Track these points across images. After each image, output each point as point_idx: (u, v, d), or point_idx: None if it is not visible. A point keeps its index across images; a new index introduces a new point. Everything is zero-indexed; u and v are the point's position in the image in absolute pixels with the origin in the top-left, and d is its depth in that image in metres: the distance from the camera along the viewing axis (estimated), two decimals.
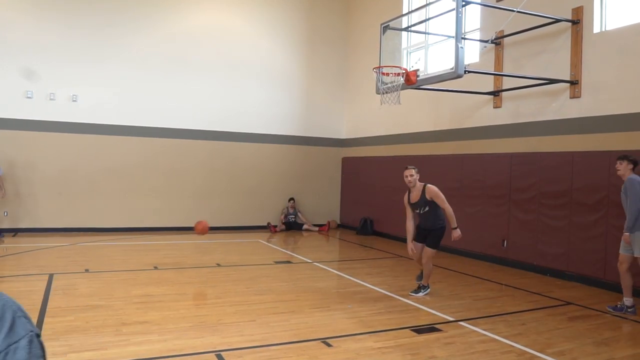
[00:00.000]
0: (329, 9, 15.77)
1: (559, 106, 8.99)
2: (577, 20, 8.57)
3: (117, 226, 13.16)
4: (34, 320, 5.56)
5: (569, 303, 7.13)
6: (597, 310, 6.74)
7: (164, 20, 13.68)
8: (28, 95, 12.36)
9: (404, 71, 8.59)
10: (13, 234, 12.13)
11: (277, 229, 14.45)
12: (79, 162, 12.90)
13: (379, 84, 8.86)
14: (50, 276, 7.79)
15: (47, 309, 6.05)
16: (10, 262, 9.07)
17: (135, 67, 13.35)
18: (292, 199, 14.85)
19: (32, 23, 12.42)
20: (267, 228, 14.31)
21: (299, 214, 14.90)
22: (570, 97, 8.75)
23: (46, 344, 4.43)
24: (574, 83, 8.63)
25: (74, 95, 12.77)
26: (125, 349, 4.81)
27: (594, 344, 5.39)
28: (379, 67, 8.66)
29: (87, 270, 8.44)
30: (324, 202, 15.74)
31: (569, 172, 8.61)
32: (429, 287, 7.38)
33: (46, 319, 5.64)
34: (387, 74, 8.62)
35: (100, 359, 4.55)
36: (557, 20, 8.71)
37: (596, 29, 8.41)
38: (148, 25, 13.51)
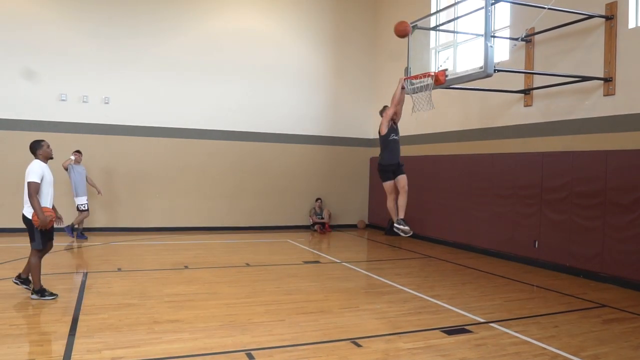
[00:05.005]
0: (357, 9, 15.74)
1: (592, 104, 8.80)
2: (611, 16, 8.37)
3: (149, 226, 13.39)
4: (70, 317, 5.70)
5: (603, 305, 6.98)
6: (633, 313, 6.58)
7: (194, 24, 13.85)
8: (62, 98, 12.66)
9: (432, 74, 8.49)
10: None
11: (318, 228, 14.47)
12: (111, 164, 13.15)
13: (408, 87, 8.79)
14: (85, 274, 7.98)
15: (82, 307, 6.19)
16: (47, 260, 9.27)
17: (165, 70, 13.55)
18: (319, 199, 14.88)
19: (66, 30, 12.72)
20: (313, 229, 14.49)
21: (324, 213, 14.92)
22: (604, 95, 8.56)
23: (81, 341, 4.52)
24: (607, 80, 8.44)
25: (106, 97, 13.04)
26: (158, 347, 4.89)
27: (631, 348, 5.26)
28: (406, 78, 8.57)
29: (119, 269, 8.61)
30: (352, 202, 15.74)
31: (602, 172, 8.41)
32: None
33: (81, 317, 5.77)
34: (416, 77, 8.54)
35: (133, 356, 4.63)
36: (590, 16, 8.53)
37: (631, 24, 8.21)
38: (177, 29, 13.70)
